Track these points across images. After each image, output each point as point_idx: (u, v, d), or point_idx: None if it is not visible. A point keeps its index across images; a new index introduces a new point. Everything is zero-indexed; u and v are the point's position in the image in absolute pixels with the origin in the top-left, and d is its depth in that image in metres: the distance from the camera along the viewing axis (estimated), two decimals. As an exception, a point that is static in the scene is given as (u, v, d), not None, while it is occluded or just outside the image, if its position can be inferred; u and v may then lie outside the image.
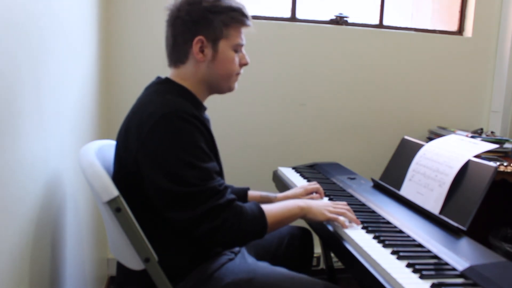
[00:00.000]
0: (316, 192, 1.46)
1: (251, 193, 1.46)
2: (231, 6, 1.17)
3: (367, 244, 1.08)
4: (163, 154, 1.04)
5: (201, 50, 1.16)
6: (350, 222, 1.21)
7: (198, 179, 1.04)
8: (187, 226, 1.04)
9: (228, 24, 1.17)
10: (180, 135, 1.05)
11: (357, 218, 1.23)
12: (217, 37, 1.16)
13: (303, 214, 1.20)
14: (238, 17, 1.18)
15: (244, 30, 1.21)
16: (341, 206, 1.25)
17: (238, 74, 1.23)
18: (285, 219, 1.17)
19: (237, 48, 1.20)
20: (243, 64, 1.23)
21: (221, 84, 1.22)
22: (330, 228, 1.22)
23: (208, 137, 1.13)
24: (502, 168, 1.85)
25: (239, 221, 1.06)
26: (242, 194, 1.45)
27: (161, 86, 1.18)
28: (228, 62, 1.19)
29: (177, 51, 1.19)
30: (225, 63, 1.19)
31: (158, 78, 1.22)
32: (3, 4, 0.86)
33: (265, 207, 1.13)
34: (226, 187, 1.09)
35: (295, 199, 1.42)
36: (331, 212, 1.21)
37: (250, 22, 1.21)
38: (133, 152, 1.08)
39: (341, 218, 1.20)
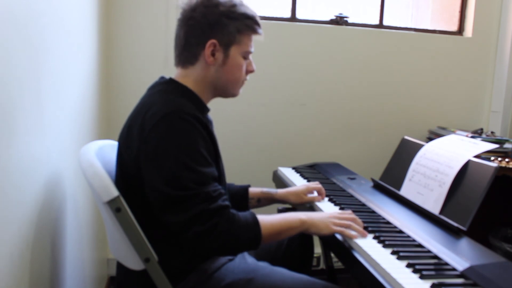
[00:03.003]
0: (318, 192, 1.45)
1: (252, 189, 1.46)
2: (246, 13, 1.18)
3: (367, 244, 1.08)
4: (162, 154, 1.04)
5: (212, 54, 1.16)
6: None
7: (194, 183, 1.03)
8: (178, 229, 1.03)
9: (242, 31, 1.18)
10: (181, 136, 1.05)
11: (358, 218, 1.20)
12: (230, 42, 1.17)
13: (305, 227, 1.15)
14: (252, 25, 1.19)
15: (254, 38, 1.22)
16: (347, 216, 1.18)
17: (244, 81, 1.25)
18: (283, 231, 1.13)
19: (246, 55, 1.21)
20: (249, 71, 1.25)
21: (227, 89, 1.23)
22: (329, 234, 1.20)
23: (210, 140, 1.12)
24: (503, 164, 1.87)
25: (230, 227, 1.03)
26: (243, 192, 1.44)
27: (164, 86, 1.18)
28: (237, 69, 1.20)
29: (188, 52, 1.19)
30: (234, 69, 1.20)
31: (162, 78, 1.22)
32: (4, 3, 0.86)
33: (262, 218, 1.10)
34: (221, 193, 1.07)
35: (299, 200, 1.43)
36: (336, 224, 1.15)
37: (262, 31, 1.23)
38: (135, 151, 1.08)
39: (347, 231, 1.14)
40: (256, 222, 1.08)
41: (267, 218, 1.12)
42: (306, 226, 1.15)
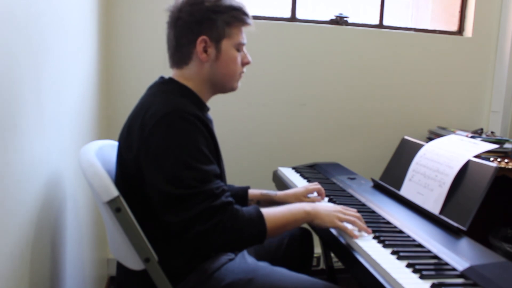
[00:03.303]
0: (318, 193, 1.45)
1: (251, 191, 1.46)
2: (232, 5, 1.18)
3: (367, 244, 1.08)
4: (163, 153, 1.04)
5: (205, 50, 1.16)
6: (359, 231, 1.15)
7: (195, 181, 1.03)
8: (180, 229, 1.03)
9: (230, 24, 1.17)
10: (182, 135, 1.05)
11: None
12: (220, 36, 1.17)
13: (310, 219, 1.16)
14: (239, 16, 1.19)
15: (244, 29, 1.22)
16: (352, 213, 1.19)
17: (241, 73, 1.24)
18: (288, 224, 1.13)
19: (239, 47, 1.21)
20: (245, 63, 1.24)
21: (225, 83, 1.23)
22: (331, 228, 1.22)
23: (210, 138, 1.12)
24: (503, 165, 1.88)
25: (234, 224, 1.03)
26: (242, 193, 1.44)
27: (164, 86, 1.18)
28: (232, 62, 1.20)
29: (180, 52, 1.19)
30: (229, 63, 1.19)
31: (161, 78, 1.22)
32: (4, 3, 0.86)
33: (266, 211, 1.10)
34: (224, 190, 1.07)
35: (299, 202, 1.40)
36: (340, 219, 1.16)
37: (251, 21, 1.22)
38: (135, 151, 1.08)
39: (350, 227, 1.15)
40: (260, 216, 1.08)
41: (272, 211, 1.12)
42: (311, 217, 1.16)
